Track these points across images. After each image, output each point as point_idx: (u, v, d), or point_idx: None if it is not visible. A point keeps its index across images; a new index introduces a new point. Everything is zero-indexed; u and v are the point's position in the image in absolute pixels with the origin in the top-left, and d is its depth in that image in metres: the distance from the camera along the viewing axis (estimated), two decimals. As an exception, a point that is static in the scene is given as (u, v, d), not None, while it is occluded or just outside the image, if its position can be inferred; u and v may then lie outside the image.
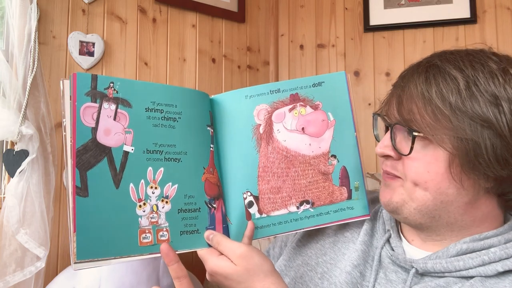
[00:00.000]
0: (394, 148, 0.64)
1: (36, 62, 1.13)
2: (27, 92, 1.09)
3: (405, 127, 0.62)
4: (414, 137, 0.60)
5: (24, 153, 1.09)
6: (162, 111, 0.62)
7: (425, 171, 0.61)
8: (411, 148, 0.61)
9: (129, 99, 0.60)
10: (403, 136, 0.64)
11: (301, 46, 1.82)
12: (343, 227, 0.76)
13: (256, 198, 0.67)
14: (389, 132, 0.65)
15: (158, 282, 1.14)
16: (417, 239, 0.68)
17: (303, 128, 0.69)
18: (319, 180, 0.69)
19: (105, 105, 0.59)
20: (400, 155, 0.63)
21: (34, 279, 1.09)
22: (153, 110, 0.62)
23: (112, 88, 0.59)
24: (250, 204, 0.67)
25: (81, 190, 0.56)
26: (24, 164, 1.08)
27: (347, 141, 0.71)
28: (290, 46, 1.84)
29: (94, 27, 1.34)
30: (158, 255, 0.59)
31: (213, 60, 1.62)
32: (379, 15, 1.72)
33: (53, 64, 1.25)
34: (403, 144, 0.63)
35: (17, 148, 1.10)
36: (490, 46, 0.65)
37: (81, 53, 1.30)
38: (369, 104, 1.71)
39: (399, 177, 0.64)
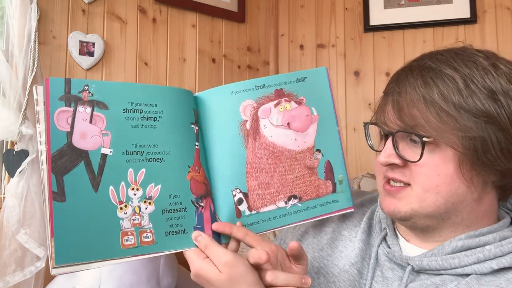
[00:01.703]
0: (399, 156, 0.63)
1: (36, 62, 1.13)
2: (27, 92, 1.10)
3: (411, 134, 0.61)
4: (424, 143, 0.60)
5: (24, 153, 1.09)
6: (141, 111, 0.62)
7: (435, 175, 0.60)
8: (421, 154, 0.60)
9: (105, 101, 0.60)
10: (406, 143, 0.63)
11: (301, 46, 1.82)
12: (341, 226, 0.76)
13: (245, 195, 0.66)
14: (389, 140, 0.64)
15: (158, 282, 1.14)
16: (414, 238, 0.68)
17: (288, 123, 0.69)
18: (305, 175, 0.70)
19: (80, 108, 0.58)
20: (405, 162, 0.62)
21: (34, 279, 1.09)
22: (131, 110, 0.61)
23: (87, 91, 0.59)
24: (240, 201, 0.66)
25: (58, 195, 0.55)
26: (24, 164, 1.08)
27: (330, 136, 0.72)
28: (290, 46, 1.84)
29: (94, 27, 1.34)
30: (142, 257, 0.59)
31: (213, 60, 1.62)
32: (379, 15, 1.72)
33: (53, 64, 1.25)
34: (408, 151, 0.63)
35: (17, 148, 1.10)
36: (470, 44, 0.66)
37: (81, 53, 1.30)
38: (369, 104, 1.71)
39: (407, 185, 0.63)
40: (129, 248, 0.58)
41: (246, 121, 0.67)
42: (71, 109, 0.58)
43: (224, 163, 0.66)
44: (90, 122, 0.59)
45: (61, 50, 1.27)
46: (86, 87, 0.59)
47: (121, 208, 0.58)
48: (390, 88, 0.65)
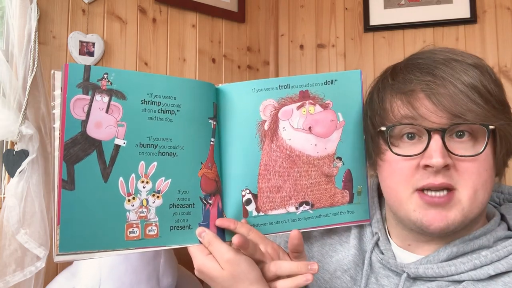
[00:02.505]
0: (453, 154, 0.57)
1: (36, 62, 1.13)
2: (27, 92, 1.09)
3: (472, 125, 0.57)
4: (489, 131, 0.56)
5: (24, 153, 1.09)
6: (159, 103, 0.61)
7: (484, 170, 0.58)
8: (486, 144, 0.56)
9: (124, 91, 0.59)
10: (447, 139, 0.57)
11: (301, 46, 1.82)
12: (330, 230, 0.74)
13: (255, 196, 0.65)
14: (438, 138, 0.57)
15: (158, 282, 1.14)
16: (413, 242, 0.66)
17: (310, 128, 0.66)
18: (322, 182, 0.67)
19: (97, 97, 0.57)
20: (456, 160, 0.57)
21: (34, 279, 1.09)
22: (149, 102, 0.60)
23: (106, 80, 0.58)
24: (248, 202, 0.65)
25: (68, 183, 0.55)
26: (24, 164, 1.08)
27: (354, 144, 0.68)
28: (290, 46, 1.84)
29: (94, 27, 1.34)
30: (145, 250, 0.59)
31: (213, 60, 1.62)
32: (379, 15, 1.71)
33: (53, 64, 1.25)
34: (455, 148, 0.57)
35: (17, 148, 1.10)
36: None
37: (81, 53, 1.30)
38: (369, 104, 1.71)
39: (453, 190, 0.58)
40: (132, 240, 0.58)
41: (265, 121, 0.65)
42: (88, 97, 0.57)
43: (237, 161, 0.65)
44: (107, 111, 0.58)
45: (61, 50, 1.27)
46: (105, 75, 0.58)
47: (128, 200, 0.58)
48: (415, 83, 0.59)
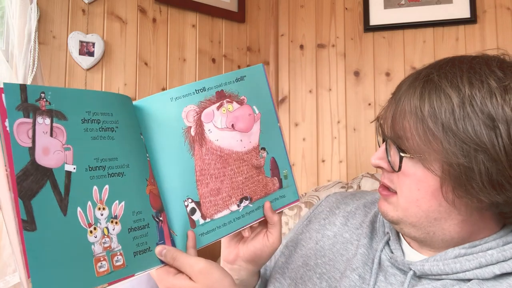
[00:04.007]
0: (388, 161, 0.63)
1: (36, 62, 1.13)
2: (27, 92, 1.10)
3: (395, 145, 0.61)
4: (401, 157, 0.60)
5: (24, 153, 1.09)
6: (99, 121, 0.56)
7: (416, 189, 0.60)
8: (399, 167, 0.60)
9: (64, 111, 0.53)
10: (396, 150, 0.62)
11: (301, 46, 1.82)
12: (343, 229, 0.75)
13: (198, 203, 0.65)
14: (384, 144, 0.64)
15: (158, 282, 1.14)
16: (414, 242, 0.67)
17: (232, 125, 0.68)
18: (254, 175, 0.70)
19: (39, 119, 0.51)
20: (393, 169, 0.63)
21: (34, 279, 1.09)
22: (89, 121, 0.56)
23: (44, 99, 0.52)
24: (193, 211, 0.64)
25: (28, 223, 0.48)
26: (24, 164, 1.08)
27: (272, 132, 0.72)
28: (290, 46, 1.84)
29: (94, 27, 1.34)
30: (116, 283, 0.54)
31: (213, 60, 1.62)
32: (379, 15, 1.72)
33: (53, 64, 1.25)
34: (396, 158, 0.62)
35: (17, 148, 1.10)
36: (504, 53, 0.60)
37: (81, 53, 1.30)
38: (369, 104, 1.71)
39: (393, 193, 0.63)
40: (104, 275, 0.53)
41: (190, 127, 0.65)
42: (30, 120, 0.50)
43: (172, 173, 0.64)
44: (51, 135, 0.52)
45: (61, 50, 1.27)
46: (42, 95, 0.52)
47: (91, 232, 0.53)
48: (395, 92, 0.64)
